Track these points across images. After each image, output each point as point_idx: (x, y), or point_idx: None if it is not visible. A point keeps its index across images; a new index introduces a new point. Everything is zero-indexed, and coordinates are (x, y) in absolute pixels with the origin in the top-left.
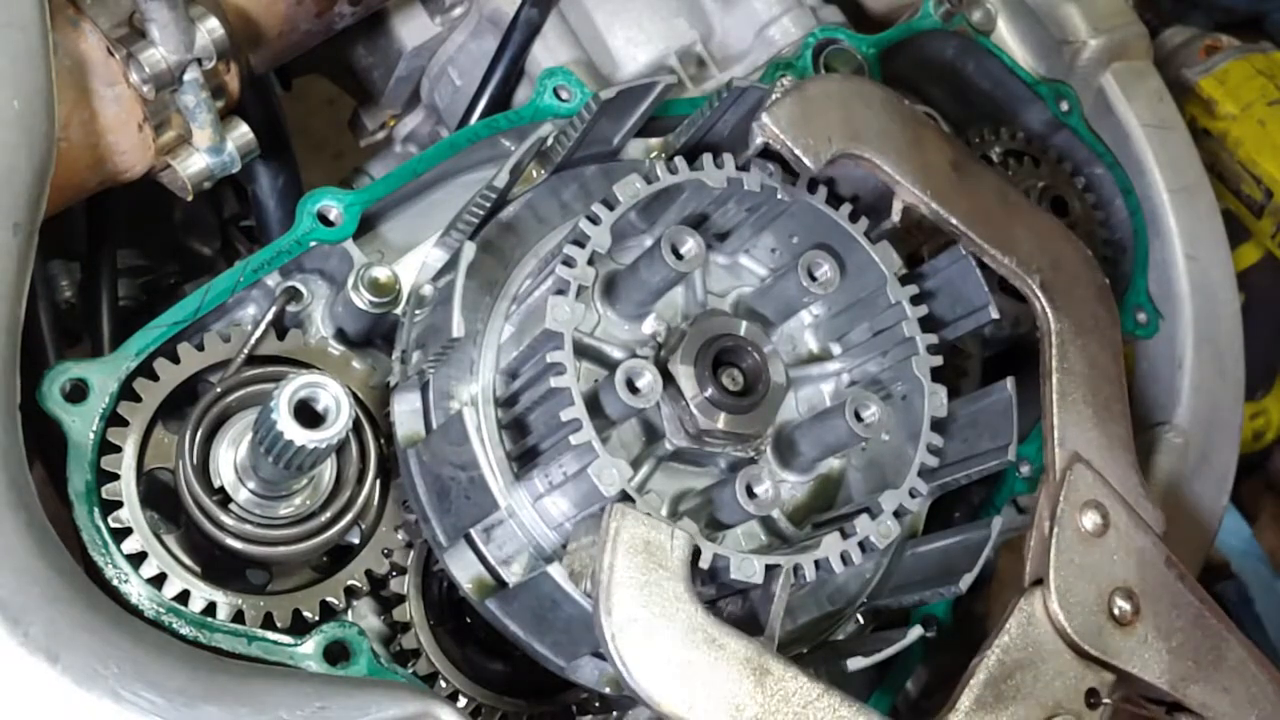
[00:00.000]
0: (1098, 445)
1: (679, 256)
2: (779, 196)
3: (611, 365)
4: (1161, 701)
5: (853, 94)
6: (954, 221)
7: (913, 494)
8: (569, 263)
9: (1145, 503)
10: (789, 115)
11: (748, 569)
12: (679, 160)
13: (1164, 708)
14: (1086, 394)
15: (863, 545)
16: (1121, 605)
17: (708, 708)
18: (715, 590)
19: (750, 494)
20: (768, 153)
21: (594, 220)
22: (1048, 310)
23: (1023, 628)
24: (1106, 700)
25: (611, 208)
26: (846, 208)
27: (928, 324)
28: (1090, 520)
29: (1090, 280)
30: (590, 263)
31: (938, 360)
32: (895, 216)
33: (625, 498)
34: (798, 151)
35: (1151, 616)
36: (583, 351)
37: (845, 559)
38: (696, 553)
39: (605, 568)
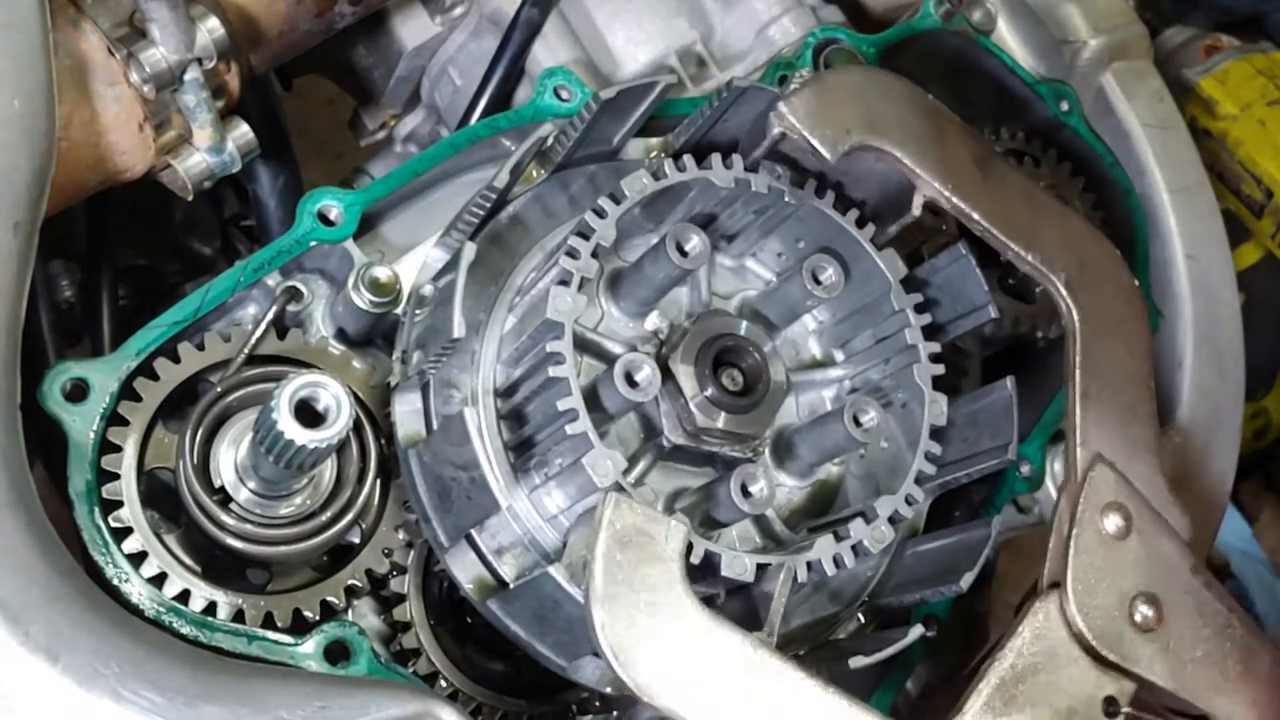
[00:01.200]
0: (1121, 447)
1: (683, 254)
2: (786, 199)
3: (612, 360)
4: (1185, 714)
5: (873, 86)
6: (976, 216)
7: (909, 501)
8: (573, 254)
9: (1171, 507)
10: (806, 105)
11: (738, 566)
12: (687, 158)
13: None
14: (1111, 395)
15: (856, 549)
16: (1143, 611)
17: (698, 701)
18: (711, 589)
19: (745, 493)
20: (777, 156)
21: (600, 213)
22: (1072, 309)
23: (1037, 631)
24: (1126, 709)
25: (618, 202)
26: (854, 213)
27: (928, 326)
28: (1112, 522)
29: (1117, 280)
30: (595, 255)
31: (939, 369)
32: (915, 210)
33: (619, 490)
34: (815, 142)
35: (1175, 624)
36: (584, 346)
37: (838, 562)
38: (691, 546)
39: (596, 555)
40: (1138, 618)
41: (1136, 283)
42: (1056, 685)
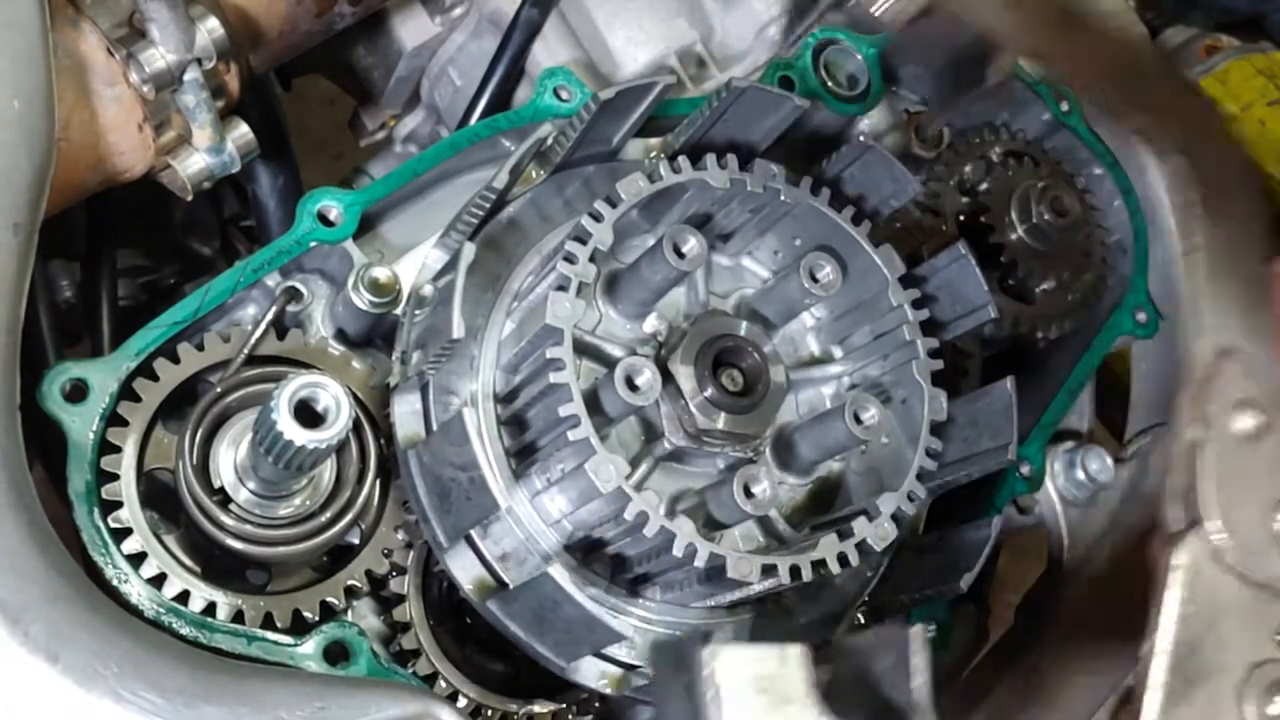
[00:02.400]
0: (1246, 334)
1: (680, 255)
2: (782, 198)
3: (612, 363)
4: None
5: None
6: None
7: (911, 498)
8: (570, 259)
9: None
10: None
11: (744, 568)
12: (682, 159)
13: None
14: (1229, 274)
15: (860, 547)
16: None
17: None
18: (725, 590)
19: (748, 494)
20: (773, 155)
21: (597, 217)
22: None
23: (1190, 584)
24: None
25: (615, 205)
26: (849, 210)
27: (928, 325)
28: (1244, 422)
29: (1231, 154)
30: (592, 260)
31: (938, 364)
32: (999, 75)
33: (621, 495)
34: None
35: None
36: (583, 349)
37: (842, 561)
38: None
39: None
40: None
41: (1249, 153)
42: (1229, 638)
